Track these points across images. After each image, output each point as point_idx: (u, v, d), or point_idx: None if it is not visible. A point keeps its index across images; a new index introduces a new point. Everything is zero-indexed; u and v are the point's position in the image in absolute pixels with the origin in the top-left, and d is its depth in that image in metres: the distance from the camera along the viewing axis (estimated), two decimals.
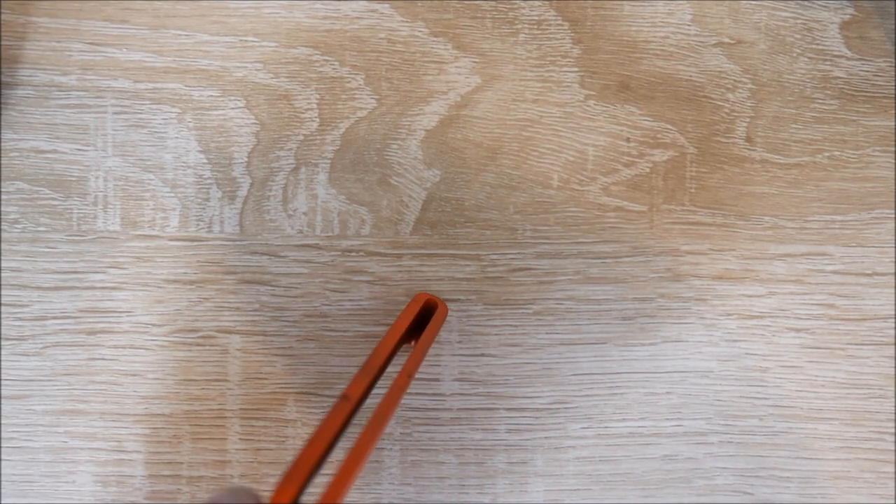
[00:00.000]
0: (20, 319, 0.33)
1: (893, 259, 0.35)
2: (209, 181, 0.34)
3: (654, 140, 0.34)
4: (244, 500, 0.20)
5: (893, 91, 0.35)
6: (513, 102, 0.34)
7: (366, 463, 0.23)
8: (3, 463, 0.33)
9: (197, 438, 0.33)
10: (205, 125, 0.34)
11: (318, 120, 0.34)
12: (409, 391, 0.34)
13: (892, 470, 0.34)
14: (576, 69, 0.34)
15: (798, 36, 0.35)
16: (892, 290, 0.34)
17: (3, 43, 0.33)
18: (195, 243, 0.34)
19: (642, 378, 0.34)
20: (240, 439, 0.33)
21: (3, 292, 0.33)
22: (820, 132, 0.35)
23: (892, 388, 0.34)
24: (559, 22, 0.34)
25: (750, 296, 0.34)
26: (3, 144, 0.33)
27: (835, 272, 0.34)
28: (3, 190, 0.33)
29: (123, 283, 0.33)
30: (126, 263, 0.33)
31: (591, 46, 0.34)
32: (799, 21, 0.35)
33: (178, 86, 0.34)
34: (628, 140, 0.34)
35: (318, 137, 0.34)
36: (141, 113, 0.33)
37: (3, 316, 0.33)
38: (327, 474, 0.23)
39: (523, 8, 0.34)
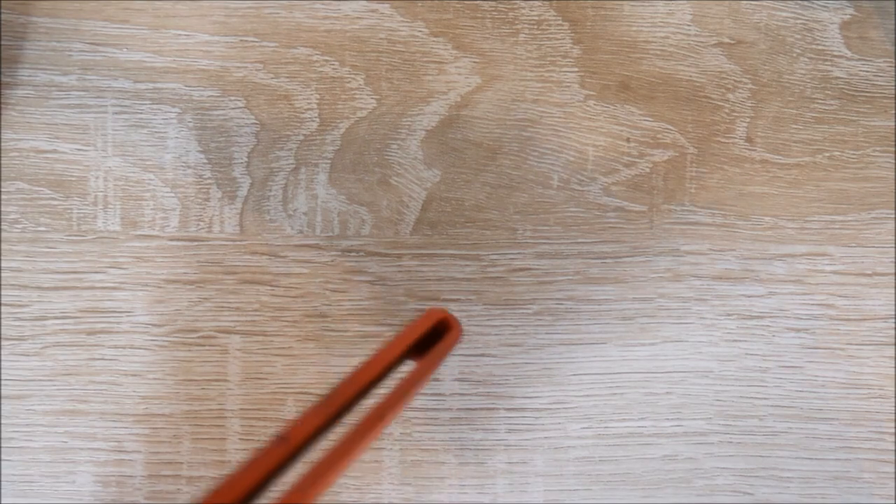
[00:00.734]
0: (20, 319, 0.33)
1: (893, 259, 0.35)
2: (209, 181, 0.34)
3: (654, 140, 0.34)
4: None
5: (893, 91, 0.35)
6: (513, 102, 0.34)
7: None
8: (3, 463, 0.33)
9: (197, 438, 0.33)
10: (205, 125, 0.34)
11: (318, 120, 0.34)
12: None
13: (892, 470, 0.34)
14: (576, 69, 0.34)
15: (798, 36, 0.35)
16: (892, 290, 0.34)
17: (3, 43, 0.33)
18: (195, 243, 0.34)
19: (642, 378, 0.34)
20: (240, 439, 0.33)
21: (3, 292, 0.33)
22: (820, 132, 0.35)
23: (892, 388, 0.34)
24: (559, 22, 0.34)
25: (750, 296, 0.34)
26: (3, 144, 0.33)
27: (835, 272, 0.34)
28: (3, 190, 0.33)
29: (123, 283, 0.33)
30: (126, 263, 0.33)
31: (591, 46, 0.34)
32: (799, 21, 0.35)
33: (178, 86, 0.34)
34: (628, 140, 0.34)
35: (318, 137, 0.34)
36: (141, 113, 0.33)
37: (3, 316, 0.33)
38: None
39: (523, 8, 0.34)
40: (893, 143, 0.35)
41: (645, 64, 0.34)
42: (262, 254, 0.34)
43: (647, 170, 0.34)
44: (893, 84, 0.35)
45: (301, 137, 0.34)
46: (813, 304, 0.34)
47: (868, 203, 0.35)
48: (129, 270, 0.33)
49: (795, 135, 0.35)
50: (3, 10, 0.33)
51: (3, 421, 0.33)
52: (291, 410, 0.34)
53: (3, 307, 0.33)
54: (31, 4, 0.33)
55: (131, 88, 0.33)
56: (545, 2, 0.34)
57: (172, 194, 0.34)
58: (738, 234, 0.34)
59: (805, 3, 0.35)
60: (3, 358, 0.33)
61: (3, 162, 0.33)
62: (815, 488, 0.34)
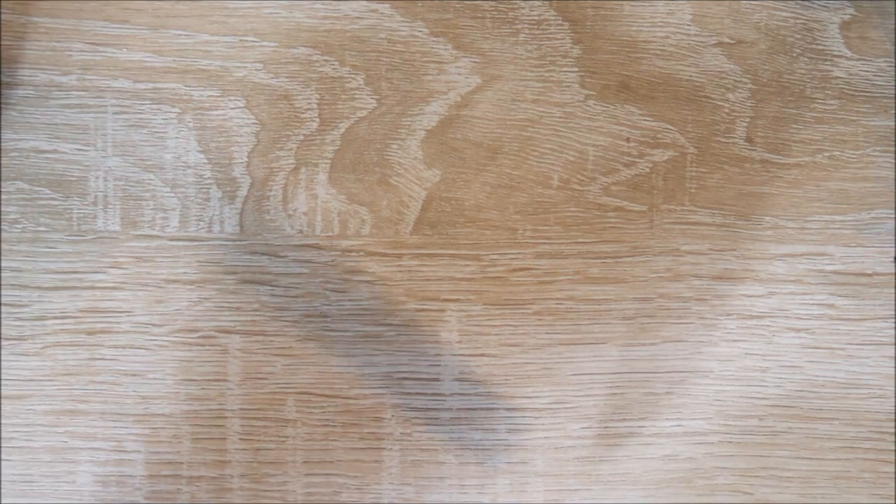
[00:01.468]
0: (20, 319, 0.33)
1: (893, 259, 0.35)
2: (209, 181, 0.34)
3: (654, 140, 0.34)
4: None
5: (893, 91, 0.35)
6: (513, 102, 0.34)
7: None
8: (3, 463, 0.33)
9: (197, 438, 0.33)
10: (205, 125, 0.34)
11: (318, 120, 0.34)
12: (409, 391, 0.34)
13: (892, 470, 0.34)
14: (576, 69, 0.34)
15: (798, 36, 0.35)
16: (892, 290, 0.34)
17: (3, 43, 0.33)
18: (195, 243, 0.34)
19: (642, 378, 0.34)
20: (240, 439, 0.33)
21: (3, 292, 0.33)
22: (820, 132, 0.35)
23: (892, 388, 0.34)
24: (559, 22, 0.34)
25: (750, 296, 0.34)
26: (3, 144, 0.33)
27: (835, 272, 0.34)
28: (3, 190, 0.33)
29: (123, 283, 0.33)
30: (126, 263, 0.33)
31: (591, 46, 0.34)
32: (799, 21, 0.35)
33: (178, 86, 0.34)
34: (628, 140, 0.34)
35: (318, 137, 0.34)
36: (141, 113, 0.33)
37: (3, 316, 0.33)
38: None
39: (523, 8, 0.34)
40: (893, 143, 0.35)
41: (645, 64, 0.34)
42: (262, 254, 0.34)
43: (647, 170, 0.34)
44: (893, 84, 0.35)
45: (301, 137, 0.34)
46: (813, 304, 0.34)
47: (868, 203, 0.35)
48: (129, 270, 0.33)
49: (795, 135, 0.35)
50: (3, 10, 0.33)
51: (3, 421, 0.33)
52: (291, 410, 0.34)
53: (3, 307, 0.33)
54: (31, 4, 0.33)
55: (131, 88, 0.33)
56: (545, 2, 0.34)
57: (172, 194, 0.34)
58: (738, 234, 0.34)
59: (805, 3, 0.35)
60: (3, 358, 0.33)
61: (3, 162, 0.33)
62: (815, 488, 0.34)
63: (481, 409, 0.34)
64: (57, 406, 0.33)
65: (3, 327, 0.33)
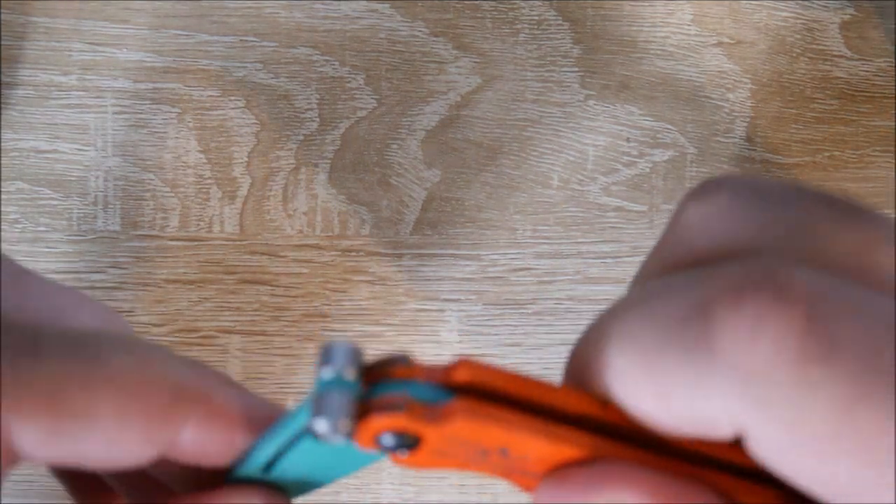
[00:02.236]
0: None
1: (893, 259, 0.35)
2: (209, 181, 0.34)
3: (654, 140, 0.34)
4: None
5: (893, 91, 0.35)
6: (513, 102, 0.34)
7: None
8: None
9: None
10: (205, 125, 0.34)
11: (318, 120, 0.34)
12: None
13: None
14: (576, 69, 0.34)
15: (798, 36, 0.35)
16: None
17: (3, 43, 0.33)
18: (195, 243, 0.34)
19: None
20: None
21: None
22: (820, 132, 0.35)
23: None
24: (559, 22, 0.34)
25: None
26: (3, 144, 0.33)
27: None
28: (3, 190, 0.33)
29: (123, 282, 0.33)
30: (126, 263, 0.33)
31: (591, 46, 0.34)
32: (799, 21, 0.35)
33: (178, 86, 0.34)
34: (628, 140, 0.34)
35: (318, 137, 0.34)
36: (141, 113, 0.33)
37: None
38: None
39: (523, 8, 0.34)
40: (893, 143, 0.35)
41: (645, 64, 0.34)
42: (262, 254, 0.34)
43: (647, 170, 0.34)
44: (893, 84, 0.35)
45: (301, 137, 0.34)
46: None
47: (868, 203, 0.35)
48: (129, 270, 0.33)
49: (795, 135, 0.35)
50: (3, 10, 0.33)
51: None
52: None
53: None
54: (31, 4, 0.33)
55: (131, 88, 0.33)
56: (545, 2, 0.34)
57: (172, 194, 0.34)
58: None
59: (805, 3, 0.35)
60: None
61: (3, 162, 0.33)
62: None
63: None
64: None
65: None
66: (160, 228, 0.34)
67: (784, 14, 0.35)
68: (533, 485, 0.14)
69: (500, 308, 0.34)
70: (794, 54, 0.35)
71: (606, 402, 0.13)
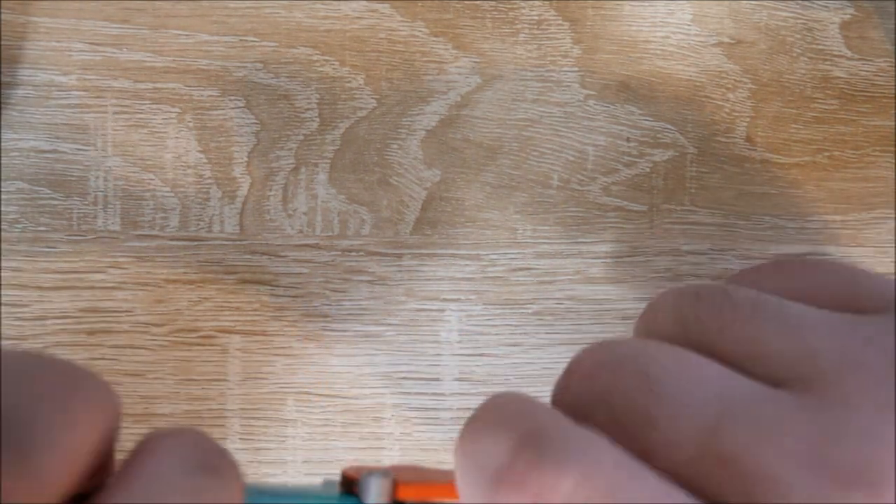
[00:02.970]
0: (20, 319, 0.33)
1: (893, 259, 0.35)
2: (209, 181, 0.34)
3: (655, 140, 0.34)
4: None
5: (893, 91, 0.35)
6: (513, 102, 0.34)
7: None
8: None
9: None
10: (205, 125, 0.34)
11: (318, 120, 0.34)
12: (409, 391, 0.34)
13: None
14: (576, 69, 0.34)
15: (798, 36, 0.35)
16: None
17: (3, 43, 0.33)
18: (195, 243, 0.34)
19: None
20: (240, 439, 0.33)
21: (3, 292, 0.33)
22: (820, 132, 0.35)
23: None
24: (559, 22, 0.34)
25: None
26: (3, 144, 0.33)
27: None
28: (3, 190, 0.33)
29: (123, 282, 0.33)
30: (126, 263, 0.33)
31: (591, 46, 0.34)
32: (799, 21, 0.35)
33: (178, 86, 0.34)
34: (628, 140, 0.34)
35: (318, 137, 0.34)
36: (141, 113, 0.33)
37: (3, 316, 0.33)
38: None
39: (523, 8, 0.34)
40: (893, 143, 0.35)
41: (645, 64, 0.34)
42: (262, 254, 0.34)
43: (647, 170, 0.34)
44: (893, 84, 0.35)
45: (301, 137, 0.34)
46: None
47: (868, 203, 0.35)
48: (129, 270, 0.33)
49: (795, 134, 0.35)
50: (3, 10, 0.33)
51: None
52: (291, 410, 0.34)
53: (3, 307, 0.33)
54: (31, 4, 0.33)
55: (131, 88, 0.33)
56: (545, 2, 0.34)
57: (172, 194, 0.34)
58: (738, 234, 0.34)
59: (805, 2, 0.35)
60: None
61: (3, 162, 0.33)
62: None
63: None
64: None
65: (3, 327, 0.33)
66: (160, 228, 0.34)
67: (784, 14, 0.35)
68: None
69: (500, 308, 0.34)
70: (794, 54, 0.35)
71: None
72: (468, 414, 0.15)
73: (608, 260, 0.34)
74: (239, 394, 0.33)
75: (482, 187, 0.34)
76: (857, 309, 0.15)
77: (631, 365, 0.14)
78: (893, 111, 0.35)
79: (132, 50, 0.33)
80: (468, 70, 0.34)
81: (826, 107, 0.35)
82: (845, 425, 0.13)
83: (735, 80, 0.35)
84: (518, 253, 0.34)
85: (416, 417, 0.34)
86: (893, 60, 0.35)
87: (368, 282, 0.34)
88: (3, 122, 0.33)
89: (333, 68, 0.34)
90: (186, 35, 0.34)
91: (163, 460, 0.14)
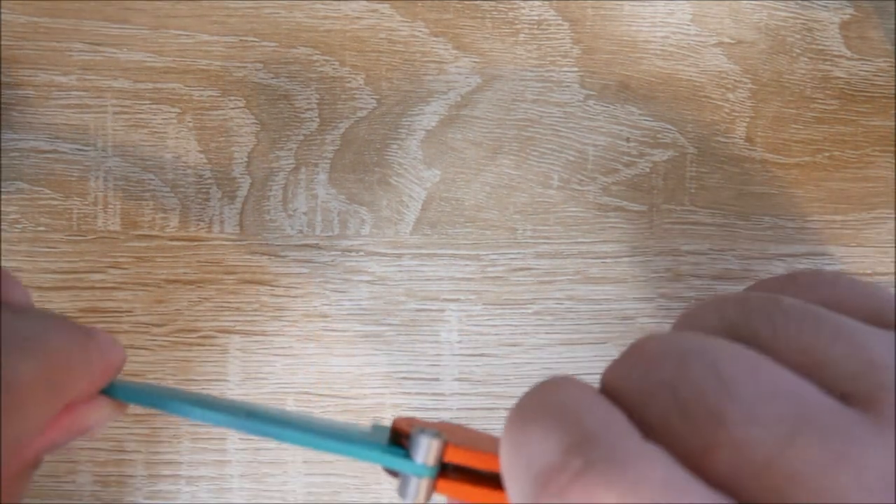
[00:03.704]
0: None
1: (893, 259, 0.35)
2: (209, 181, 0.34)
3: (654, 140, 0.34)
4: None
5: (893, 91, 0.35)
6: (513, 102, 0.34)
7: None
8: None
9: (197, 438, 0.33)
10: (205, 125, 0.34)
11: (318, 120, 0.34)
12: (409, 391, 0.34)
13: None
14: (576, 69, 0.34)
15: (798, 36, 0.35)
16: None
17: (3, 43, 0.33)
18: (195, 243, 0.34)
19: None
20: (240, 439, 0.33)
21: None
22: (820, 132, 0.35)
23: None
24: (559, 22, 0.34)
25: None
26: (3, 144, 0.33)
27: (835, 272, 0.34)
28: (3, 190, 0.33)
29: (123, 283, 0.33)
30: (126, 263, 0.33)
31: (591, 46, 0.34)
32: (799, 21, 0.35)
33: (178, 86, 0.34)
34: (628, 140, 0.34)
35: (318, 137, 0.34)
36: (141, 113, 0.33)
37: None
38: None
39: (523, 8, 0.34)
40: (893, 143, 0.35)
41: (645, 64, 0.34)
42: (262, 254, 0.34)
43: (647, 170, 0.34)
44: (893, 84, 0.35)
45: (301, 137, 0.34)
46: None
47: (868, 203, 0.35)
48: (129, 270, 0.33)
49: (795, 135, 0.35)
50: (3, 10, 0.33)
51: None
52: (291, 410, 0.34)
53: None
54: (31, 4, 0.33)
55: (131, 88, 0.33)
56: (545, 2, 0.34)
57: (172, 194, 0.34)
58: (738, 234, 0.34)
59: (805, 2, 0.35)
60: None
61: (3, 162, 0.33)
62: None
63: (481, 409, 0.34)
64: None
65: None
66: (160, 228, 0.34)
67: (784, 14, 0.35)
68: None
69: (500, 308, 0.34)
70: (794, 54, 0.35)
71: None
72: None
73: (608, 260, 0.34)
74: (239, 394, 0.33)
75: (482, 187, 0.34)
76: (884, 324, 0.15)
77: (700, 358, 0.14)
78: (893, 111, 0.35)
79: (132, 50, 0.33)
80: (468, 70, 0.34)
81: (826, 107, 0.35)
82: None
83: (735, 80, 0.35)
84: (518, 253, 0.34)
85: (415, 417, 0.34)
86: (893, 60, 0.35)
87: (368, 282, 0.34)
88: (3, 122, 0.33)
89: (333, 68, 0.34)
90: (186, 35, 0.34)
91: None
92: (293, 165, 0.34)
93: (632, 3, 0.34)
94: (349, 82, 0.34)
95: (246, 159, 0.34)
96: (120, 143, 0.33)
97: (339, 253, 0.34)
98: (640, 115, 0.34)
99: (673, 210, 0.34)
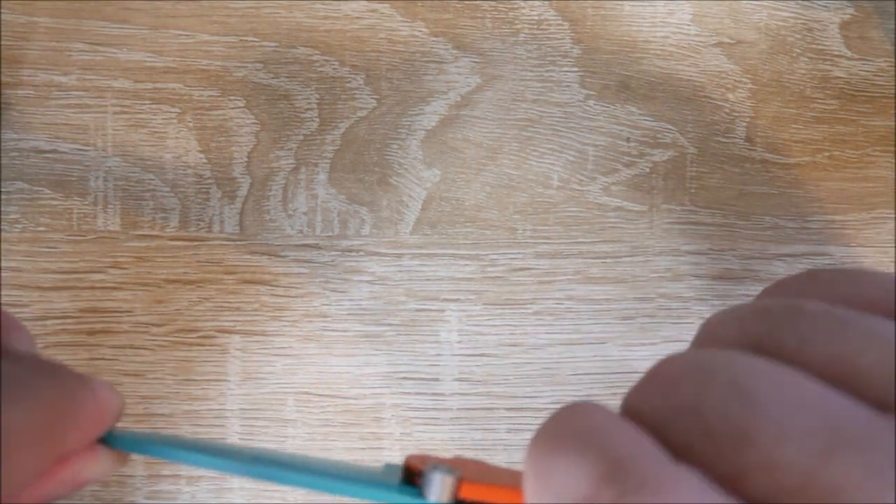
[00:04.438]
0: (20, 319, 0.33)
1: (893, 259, 0.35)
2: (209, 181, 0.34)
3: (654, 140, 0.34)
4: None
5: (893, 91, 0.35)
6: (513, 102, 0.34)
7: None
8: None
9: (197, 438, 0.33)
10: (205, 125, 0.34)
11: (318, 120, 0.34)
12: (409, 391, 0.34)
13: None
14: (576, 69, 0.34)
15: (798, 36, 0.35)
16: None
17: (3, 43, 0.33)
18: (195, 243, 0.34)
19: None
20: (240, 439, 0.33)
21: (3, 292, 0.33)
22: (820, 132, 0.35)
23: None
24: (559, 22, 0.34)
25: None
26: (3, 144, 0.33)
27: None
28: (3, 190, 0.33)
29: (123, 282, 0.33)
30: (126, 263, 0.33)
31: (591, 46, 0.34)
32: (799, 21, 0.35)
33: (178, 86, 0.34)
34: (628, 140, 0.34)
35: (318, 137, 0.34)
36: (141, 113, 0.33)
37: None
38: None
39: (523, 8, 0.34)
40: (893, 143, 0.35)
41: (645, 64, 0.34)
42: (262, 254, 0.34)
43: (647, 170, 0.34)
44: (893, 84, 0.35)
45: (301, 137, 0.34)
46: None
47: (868, 203, 0.35)
48: (129, 270, 0.33)
49: (795, 135, 0.35)
50: (3, 10, 0.33)
51: None
52: (291, 410, 0.34)
53: (3, 307, 0.33)
54: (31, 4, 0.33)
55: (131, 88, 0.33)
56: (545, 2, 0.34)
57: (172, 194, 0.34)
58: (738, 234, 0.34)
59: (805, 3, 0.35)
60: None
61: (3, 162, 0.33)
62: None
63: (481, 409, 0.34)
64: None
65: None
66: (160, 228, 0.34)
67: (784, 14, 0.35)
68: None
69: (500, 308, 0.34)
70: (794, 54, 0.35)
71: None
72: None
73: (608, 260, 0.34)
74: (239, 394, 0.33)
75: (482, 187, 0.34)
76: None
77: (721, 376, 0.13)
78: (893, 111, 0.35)
79: (132, 50, 0.33)
80: (468, 70, 0.34)
81: (826, 107, 0.35)
82: None
83: (735, 80, 0.35)
84: (518, 253, 0.34)
85: (415, 417, 0.34)
86: (893, 60, 0.35)
87: (368, 282, 0.34)
88: (3, 122, 0.33)
89: (333, 68, 0.34)
90: (186, 35, 0.34)
91: None
92: (293, 165, 0.34)
93: (632, 3, 0.34)
94: (349, 82, 0.34)
95: (246, 159, 0.34)
96: (120, 143, 0.33)
97: (339, 253, 0.34)
98: (640, 115, 0.34)
99: (673, 210, 0.34)
